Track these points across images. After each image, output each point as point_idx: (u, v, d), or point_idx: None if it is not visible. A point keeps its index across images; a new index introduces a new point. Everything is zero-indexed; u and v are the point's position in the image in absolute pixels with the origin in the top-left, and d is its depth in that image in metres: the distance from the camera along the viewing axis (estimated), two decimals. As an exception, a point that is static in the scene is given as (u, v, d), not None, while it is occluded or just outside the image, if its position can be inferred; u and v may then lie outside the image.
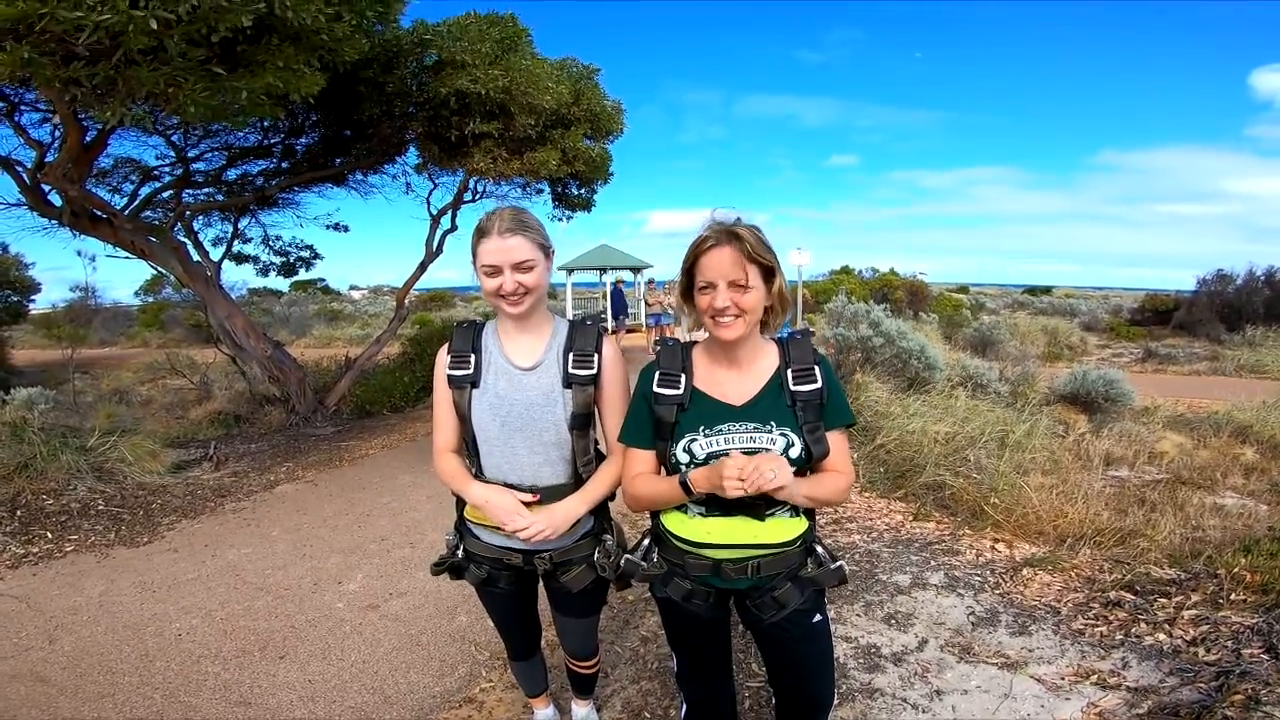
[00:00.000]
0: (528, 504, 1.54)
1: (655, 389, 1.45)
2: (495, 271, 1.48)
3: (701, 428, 1.40)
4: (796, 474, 1.38)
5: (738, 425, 1.39)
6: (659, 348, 1.52)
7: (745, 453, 1.34)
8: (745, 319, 1.36)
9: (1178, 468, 5.44)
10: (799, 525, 1.45)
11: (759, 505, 1.38)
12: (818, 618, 1.50)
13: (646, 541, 1.56)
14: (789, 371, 1.42)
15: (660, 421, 1.44)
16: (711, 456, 1.38)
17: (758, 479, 1.23)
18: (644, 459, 1.49)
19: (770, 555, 1.42)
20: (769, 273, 1.37)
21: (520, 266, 1.48)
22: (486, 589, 1.73)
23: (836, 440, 1.43)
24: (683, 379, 1.44)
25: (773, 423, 1.39)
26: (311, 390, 7.37)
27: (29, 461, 4.54)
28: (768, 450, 1.36)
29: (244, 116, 3.69)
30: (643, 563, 1.51)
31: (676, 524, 1.46)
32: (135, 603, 3.17)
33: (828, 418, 1.42)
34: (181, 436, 6.65)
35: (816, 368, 1.43)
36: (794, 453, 1.38)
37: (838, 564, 1.48)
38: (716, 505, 1.39)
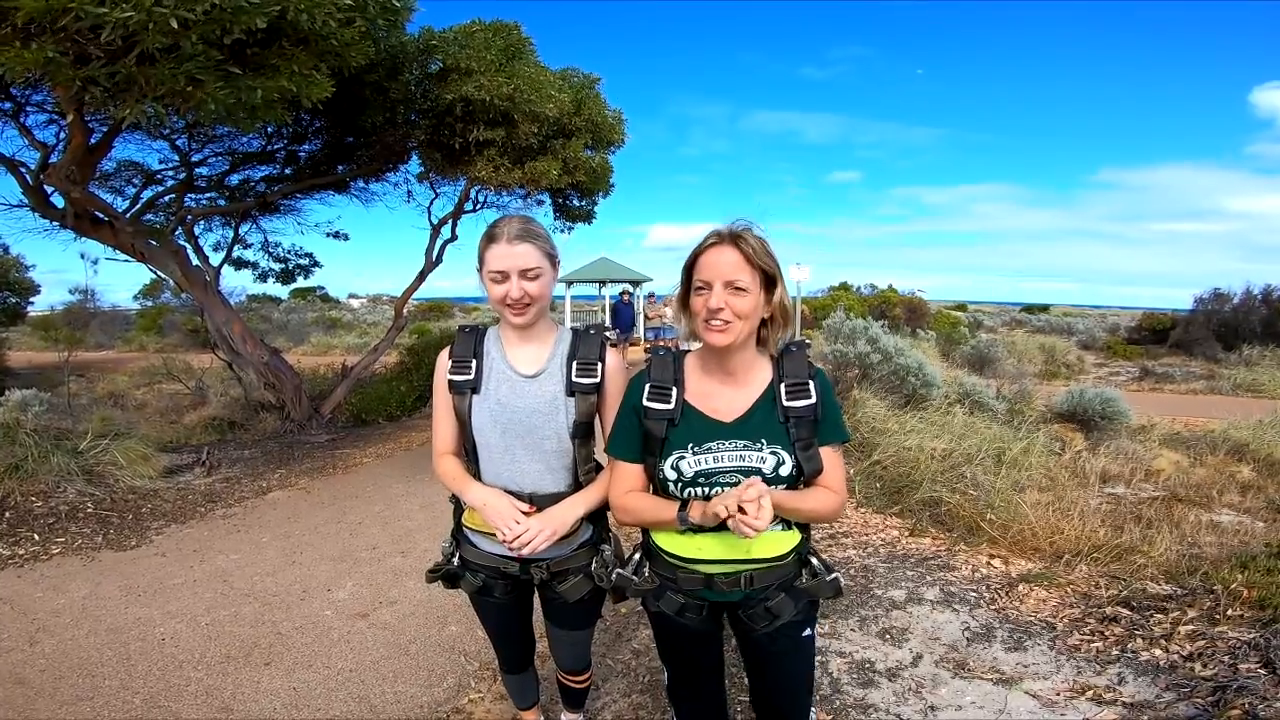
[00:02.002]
0: (525, 514, 1.52)
1: (645, 403, 1.41)
2: (502, 278, 1.46)
3: (690, 445, 1.36)
4: (787, 490, 1.36)
5: (727, 444, 1.35)
6: (650, 357, 1.49)
7: (736, 472, 1.33)
8: (738, 325, 1.31)
9: (1174, 485, 5.43)
10: (791, 539, 1.42)
11: None
12: (807, 631, 1.48)
13: (637, 556, 1.53)
14: (782, 386, 1.38)
15: (649, 436, 1.40)
16: (700, 475, 1.35)
17: (750, 527, 1.20)
18: (633, 473, 1.45)
19: (762, 569, 1.40)
20: (770, 281, 1.33)
21: (527, 274, 1.47)
22: (482, 598, 1.71)
23: (830, 456, 1.39)
24: (674, 392, 1.40)
25: (763, 440, 1.35)
26: (307, 398, 7.34)
27: (20, 463, 4.51)
28: (758, 470, 1.33)
29: (257, 119, 3.70)
30: (634, 577, 1.48)
31: (667, 540, 1.44)
32: (120, 606, 3.13)
33: (821, 434, 1.38)
34: (175, 441, 6.60)
35: (811, 382, 1.38)
36: (784, 470, 1.35)
37: (833, 575, 1.44)
38: None
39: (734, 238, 1.31)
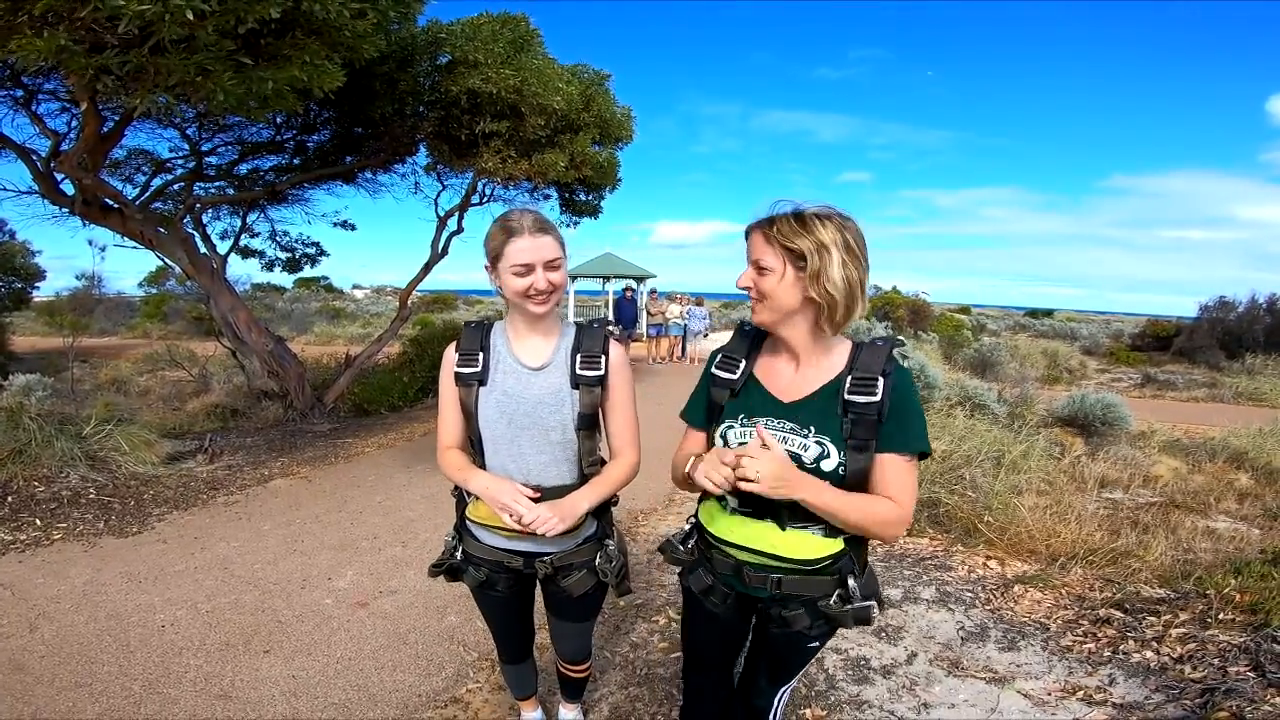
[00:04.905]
0: (531, 500, 1.52)
1: (714, 370, 1.43)
2: (527, 270, 1.47)
3: (742, 417, 1.36)
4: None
5: (775, 423, 1.32)
6: (737, 330, 1.50)
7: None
8: (767, 304, 1.30)
9: (1172, 491, 5.43)
10: (828, 546, 1.31)
11: (780, 513, 1.31)
12: (815, 644, 1.46)
13: (688, 527, 1.53)
14: (849, 378, 1.29)
15: (713, 403, 1.42)
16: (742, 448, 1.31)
17: (738, 473, 1.20)
18: (696, 439, 1.48)
19: (791, 573, 1.33)
20: (799, 259, 1.25)
21: (550, 265, 1.49)
22: (484, 592, 1.71)
23: (896, 466, 1.27)
24: (742, 364, 1.41)
25: (811, 428, 1.29)
26: (310, 387, 7.37)
27: (23, 448, 4.53)
28: (796, 456, 1.28)
29: (268, 108, 3.71)
30: (680, 545, 1.49)
31: (706, 516, 1.44)
32: (120, 593, 3.16)
33: (883, 437, 1.26)
34: (178, 428, 6.63)
35: (881, 379, 1.26)
36: (826, 465, 1.27)
37: (867, 604, 1.32)
38: (747, 503, 1.33)
39: (766, 220, 1.31)
